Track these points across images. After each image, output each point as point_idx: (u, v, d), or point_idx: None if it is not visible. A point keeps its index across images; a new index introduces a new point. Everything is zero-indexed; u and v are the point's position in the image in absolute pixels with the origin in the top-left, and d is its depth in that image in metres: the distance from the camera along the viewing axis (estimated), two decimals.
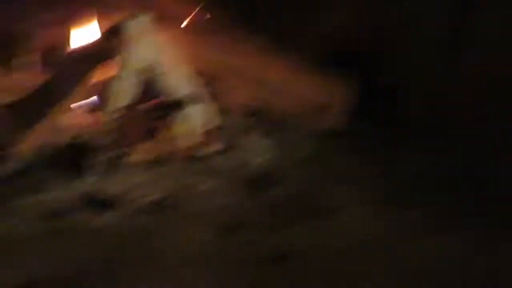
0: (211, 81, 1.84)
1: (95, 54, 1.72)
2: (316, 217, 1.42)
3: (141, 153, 1.58)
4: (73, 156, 1.52)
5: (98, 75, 1.71)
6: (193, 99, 1.63)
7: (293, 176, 1.56)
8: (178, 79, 1.63)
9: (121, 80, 1.59)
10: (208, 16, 1.92)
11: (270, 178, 1.54)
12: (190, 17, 1.89)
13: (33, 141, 1.54)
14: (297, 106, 1.76)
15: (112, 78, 1.64)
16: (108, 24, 1.75)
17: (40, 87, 1.66)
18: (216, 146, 1.64)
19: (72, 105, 1.72)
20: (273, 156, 1.64)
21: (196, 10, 1.89)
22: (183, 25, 1.87)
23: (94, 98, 1.78)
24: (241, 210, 1.43)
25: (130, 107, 1.61)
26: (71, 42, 1.86)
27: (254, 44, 1.82)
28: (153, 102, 1.67)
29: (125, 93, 1.61)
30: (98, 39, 1.81)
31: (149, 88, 1.64)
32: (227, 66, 1.81)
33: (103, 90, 1.71)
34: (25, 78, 1.72)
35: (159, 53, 1.60)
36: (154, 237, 1.33)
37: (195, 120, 1.64)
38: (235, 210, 1.43)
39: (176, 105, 1.63)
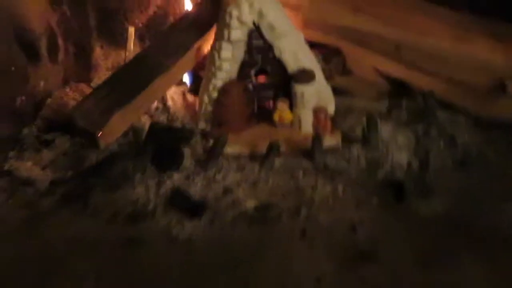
0: (333, 53, 1.44)
1: (198, 22, 1.42)
2: (489, 253, 0.97)
3: (241, 142, 1.25)
4: (164, 144, 1.24)
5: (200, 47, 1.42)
6: (308, 76, 1.25)
7: (447, 186, 1.12)
8: (290, 50, 1.26)
9: (222, 51, 1.26)
10: None
11: (415, 187, 1.11)
12: None
13: (122, 124, 1.29)
14: (453, 84, 1.27)
15: (212, 48, 1.32)
16: None
17: (133, 62, 1.41)
18: (337, 138, 1.25)
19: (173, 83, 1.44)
20: (417, 155, 1.20)
21: None
22: None
23: (190, 74, 1.51)
24: (373, 231, 1.03)
25: (231, 85, 1.28)
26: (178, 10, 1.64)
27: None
28: (258, 78, 1.32)
29: (226, 67, 1.28)
30: (203, 3, 1.52)
31: (253, 61, 1.28)
32: (357, 31, 1.39)
33: (201, 64, 1.41)
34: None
35: (269, 15, 1.22)
36: (252, 257, 1.00)
37: (310, 103, 1.26)
38: (365, 231, 1.03)
39: (286, 83, 1.27)
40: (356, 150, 1.22)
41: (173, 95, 1.50)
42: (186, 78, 1.53)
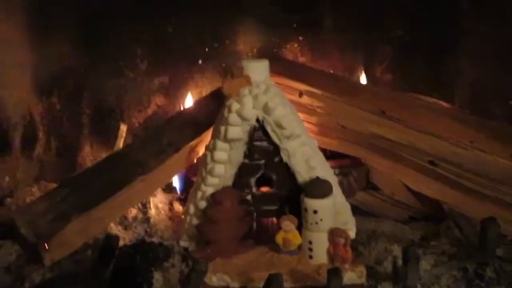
0: (354, 164, 1.20)
1: (197, 120, 1.21)
2: None
3: (231, 271, 0.94)
4: (125, 266, 0.94)
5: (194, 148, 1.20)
6: (324, 189, 0.98)
7: None
8: (301, 154, 1.01)
9: (216, 151, 1.02)
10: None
11: None
12: None
13: (81, 237, 1.01)
14: None
15: (206, 148, 1.08)
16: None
17: (108, 160, 1.19)
18: (360, 273, 0.94)
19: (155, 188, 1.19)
20: None
21: None
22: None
23: (181, 179, 1.26)
24: None
25: (224, 194, 1.02)
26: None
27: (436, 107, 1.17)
28: (261, 189, 1.05)
29: (219, 172, 1.02)
30: (203, 100, 1.33)
31: (254, 166, 1.03)
32: (383, 140, 1.15)
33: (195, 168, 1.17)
34: None
35: (277, 111, 0.99)
36: None
37: (325, 223, 0.97)
38: None
39: (295, 196, 0.99)
40: None
41: (158, 203, 1.25)
42: (177, 184, 1.29)
